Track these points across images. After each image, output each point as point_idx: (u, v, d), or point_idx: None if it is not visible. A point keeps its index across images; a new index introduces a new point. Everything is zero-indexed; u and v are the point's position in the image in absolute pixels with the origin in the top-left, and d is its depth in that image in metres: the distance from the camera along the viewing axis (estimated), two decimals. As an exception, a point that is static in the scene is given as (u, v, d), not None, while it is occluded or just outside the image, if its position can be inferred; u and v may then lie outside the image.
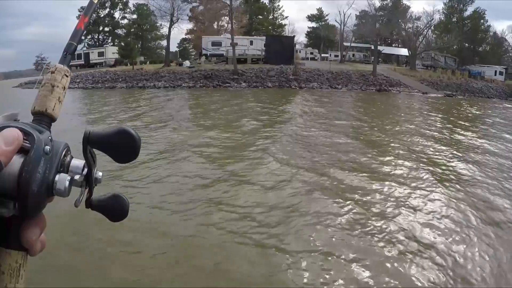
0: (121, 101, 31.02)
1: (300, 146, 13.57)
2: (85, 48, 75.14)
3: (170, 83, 43.73)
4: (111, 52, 65.50)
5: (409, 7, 70.59)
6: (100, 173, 0.72)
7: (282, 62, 47.34)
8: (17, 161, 0.59)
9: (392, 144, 14.51)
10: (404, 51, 69.56)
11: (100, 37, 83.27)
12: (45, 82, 0.75)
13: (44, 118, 0.71)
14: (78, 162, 0.69)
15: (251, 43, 53.45)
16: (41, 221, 0.64)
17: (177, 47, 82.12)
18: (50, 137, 0.66)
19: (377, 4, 66.79)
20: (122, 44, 58.09)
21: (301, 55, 62.28)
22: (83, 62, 63.73)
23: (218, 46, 53.65)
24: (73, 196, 0.68)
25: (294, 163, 10.93)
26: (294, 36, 60.52)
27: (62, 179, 0.64)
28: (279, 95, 34.53)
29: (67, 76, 0.77)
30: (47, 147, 0.63)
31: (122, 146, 0.69)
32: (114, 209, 0.73)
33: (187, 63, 52.32)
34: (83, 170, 0.69)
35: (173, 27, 57.56)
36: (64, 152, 0.67)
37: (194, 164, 11.03)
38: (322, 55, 71.77)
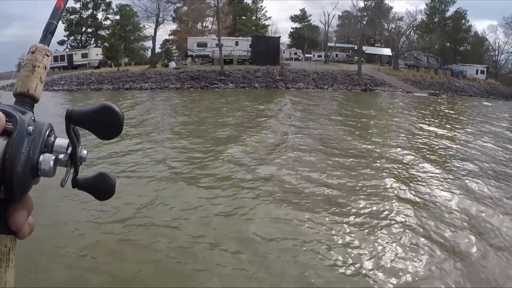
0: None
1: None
2: (68, 50, 74.43)
3: (157, 84, 43.56)
4: (95, 53, 64.95)
5: (391, 8, 71.78)
6: (85, 152, 0.71)
7: (267, 62, 47.63)
8: (0, 142, 0.58)
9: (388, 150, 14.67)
10: (387, 51, 70.37)
11: (83, 38, 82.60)
12: (25, 63, 0.73)
13: (26, 99, 0.69)
14: (62, 141, 0.68)
15: (237, 43, 53.41)
16: (28, 204, 0.63)
17: (159, 48, 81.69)
18: (32, 118, 0.64)
19: (361, 4, 67.73)
20: (107, 45, 57.57)
21: (285, 55, 62.53)
22: (66, 64, 63.17)
23: (204, 47, 53.43)
24: (59, 176, 0.67)
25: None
26: (279, 37, 60.86)
27: (47, 159, 0.63)
28: (267, 96, 34.55)
29: (47, 56, 0.75)
30: (30, 128, 0.61)
31: (106, 123, 0.68)
32: (100, 187, 0.72)
33: (173, 64, 52.12)
34: (67, 149, 0.68)
35: (158, 28, 57.44)
36: (47, 132, 0.66)
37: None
38: (306, 55, 72.21)
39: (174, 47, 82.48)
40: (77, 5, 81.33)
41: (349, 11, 70.08)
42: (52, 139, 0.67)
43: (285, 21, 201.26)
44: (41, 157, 0.63)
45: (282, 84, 43.23)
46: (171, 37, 76.74)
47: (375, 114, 24.17)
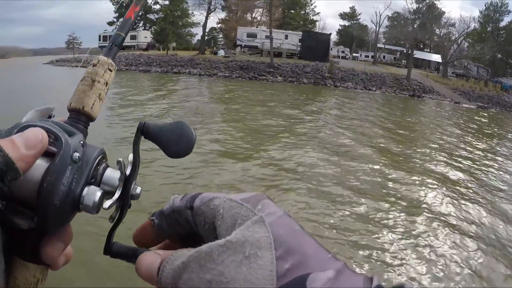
0: (171, 87, 31.09)
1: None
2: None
3: (206, 71, 43.80)
4: (144, 36, 65.95)
5: (444, 12, 69.89)
6: (139, 189, 0.61)
7: (316, 58, 47.09)
8: (39, 167, 0.51)
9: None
10: (436, 57, 68.64)
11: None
12: (85, 76, 0.66)
13: (80, 117, 0.62)
14: (113, 173, 0.59)
15: (286, 37, 53.16)
16: (66, 235, 0.56)
17: (206, 35, 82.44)
18: (82, 141, 0.57)
19: (414, 6, 66.23)
20: (157, 28, 58.31)
21: (332, 53, 61.92)
22: (115, 44, 64.23)
23: (253, 37, 53.61)
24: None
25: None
26: (330, 34, 60.16)
27: (91, 193, 0.55)
28: (316, 93, 34.37)
29: (110, 71, 0.67)
30: (76, 154, 0.54)
31: (177, 141, 0.61)
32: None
33: (221, 52, 52.46)
34: (119, 183, 0.58)
35: (209, 15, 57.81)
36: (97, 160, 0.58)
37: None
38: (353, 54, 71.35)
39: (221, 36, 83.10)
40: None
41: (400, 13, 68.79)
42: (102, 169, 0.59)
43: (332, 17, 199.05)
44: (85, 190, 0.55)
45: (330, 82, 42.75)
46: (219, 25, 77.22)
47: (434, 126, 23.44)
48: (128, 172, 0.60)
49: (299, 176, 9.36)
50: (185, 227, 0.51)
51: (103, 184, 0.58)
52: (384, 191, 9.01)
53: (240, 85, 34.25)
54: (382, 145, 14.40)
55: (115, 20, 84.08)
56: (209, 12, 57.22)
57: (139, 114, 16.64)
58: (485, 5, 77.55)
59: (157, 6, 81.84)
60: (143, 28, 77.98)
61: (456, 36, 63.83)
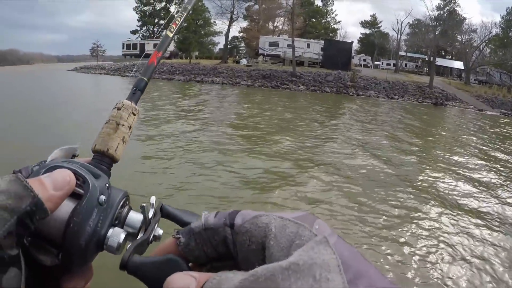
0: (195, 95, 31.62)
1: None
2: (140, 39, 77.39)
3: (229, 80, 44.46)
4: (167, 44, 67.04)
5: (465, 19, 69.29)
6: (161, 231, 0.62)
7: (338, 67, 47.29)
8: (66, 207, 0.54)
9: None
10: (458, 64, 68.06)
11: (155, 29, 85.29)
12: (109, 119, 0.70)
13: (104, 159, 0.66)
14: (136, 216, 0.62)
15: (308, 46, 53.44)
16: (87, 273, 0.58)
17: (228, 44, 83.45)
18: (107, 184, 0.60)
19: (435, 13, 65.91)
20: (180, 37, 59.30)
21: (354, 61, 61.97)
22: (138, 52, 65.74)
23: (275, 46, 54.09)
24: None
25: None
26: (352, 42, 60.19)
27: (116, 235, 0.57)
28: (339, 102, 34.50)
29: (134, 115, 0.73)
30: (102, 197, 0.56)
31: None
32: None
33: (244, 61, 53.06)
34: (141, 225, 0.61)
35: (232, 24, 58.58)
36: (121, 203, 0.61)
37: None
38: (375, 62, 71.22)
39: (243, 45, 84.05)
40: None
41: (420, 20, 68.43)
42: (126, 211, 0.62)
43: (353, 25, 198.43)
44: (110, 231, 0.57)
45: (353, 91, 42.85)
46: (240, 34, 78.09)
47: (465, 134, 23.39)
48: (150, 215, 0.62)
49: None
50: (219, 247, 0.49)
51: (126, 226, 0.60)
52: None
53: (269, 95, 34.72)
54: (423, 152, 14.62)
55: (138, 28, 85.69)
56: (231, 21, 58.04)
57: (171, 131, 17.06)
58: (506, 10, 76.47)
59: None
60: (166, 36, 79.49)
61: (478, 42, 63.23)
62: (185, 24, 69.13)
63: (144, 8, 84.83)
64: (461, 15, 68.85)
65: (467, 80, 58.89)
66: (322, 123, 20.30)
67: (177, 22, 0.91)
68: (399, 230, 7.43)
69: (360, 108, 29.80)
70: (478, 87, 56.11)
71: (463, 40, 64.29)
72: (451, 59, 75.75)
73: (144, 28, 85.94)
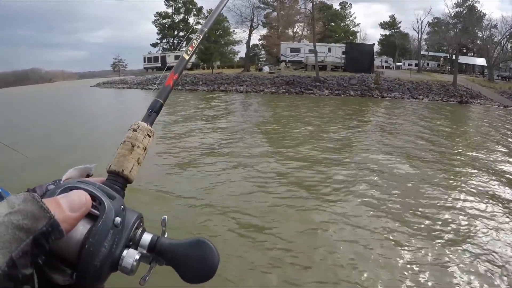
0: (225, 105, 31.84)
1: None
2: (160, 52, 78.35)
3: (253, 88, 44.65)
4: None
5: (484, 14, 68.29)
6: None
7: (361, 70, 47.23)
8: (81, 227, 0.54)
9: None
10: (480, 61, 67.07)
11: (175, 41, 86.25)
12: (125, 140, 0.71)
13: (119, 179, 0.66)
14: (150, 237, 0.63)
15: (330, 50, 53.57)
16: None
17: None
18: (122, 206, 0.60)
19: (454, 10, 65.17)
20: (202, 47, 59.94)
21: (376, 63, 61.61)
22: (159, 65, 66.48)
23: (297, 52, 54.29)
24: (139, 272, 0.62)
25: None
26: (373, 44, 59.79)
27: (130, 256, 0.58)
28: (366, 105, 34.33)
29: (149, 136, 0.73)
30: (118, 219, 0.57)
31: (197, 262, 0.61)
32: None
33: (266, 68, 53.30)
34: (155, 246, 0.62)
35: (252, 32, 58.99)
36: (136, 225, 0.61)
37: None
38: (396, 63, 70.72)
39: (263, 52, 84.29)
40: (170, 10, 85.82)
41: (439, 18, 67.76)
42: (140, 232, 0.62)
43: (371, 27, 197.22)
44: (125, 252, 0.58)
45: (377, 93, 42.55)
46: (260, 42, 78.48)
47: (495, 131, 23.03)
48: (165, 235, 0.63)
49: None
50: None
51: (140, 248, 0.61)
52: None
53: (294, 101, 34.65)
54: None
55: (158, 41, 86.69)
56: (251, 29, 58.40)
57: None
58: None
59: (199, 26, 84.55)
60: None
61: (499, 37, 62.30)
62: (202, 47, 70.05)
63: (163, 21, 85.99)
64: (481, 11, 67.83)
65: (490, 77, 58.10)
66: (356, 128, 20.28)
67: (193, 45, 0.99)
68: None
69: (387, 111, 29.62)
70: (502, 83, 55.21)
71: (484, 36, 63.38)
72: (473, 56, 74.64)
73: (164, 40, 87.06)
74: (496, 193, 9.99)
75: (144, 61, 73.14)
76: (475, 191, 10.00)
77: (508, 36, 62.42)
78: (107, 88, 60.93)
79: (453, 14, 64.90)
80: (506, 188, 10.50)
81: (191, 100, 34.69)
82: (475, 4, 66.05)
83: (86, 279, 0.54)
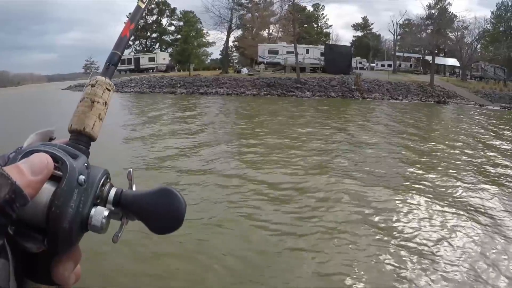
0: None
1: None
2: (133, 53, 77.03)
3: (233, 90, 44.42)
4: (162, 57, 67.04)
5: (455, 16, 69.78)
6: None
7: (340, 71, 47.54)
8: (46, 191, 0.53)
9: None
10: (451, 61, 68.62)
11: (148, 43, 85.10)
12: (84, 97, 0.68)
13: (81, 138, 0.64)
14: (115, 191, 0.62)
15: (307, 51, 53.63)
16: (75, 255, 0.58)
17: (219, 54, 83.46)
18: (86, 164, 0.59)
19: (426, 12, 66.39)
20: (178, 49, 59.28)
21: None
22: (133, 67, 65.13)
23: (275, 54, 54.12)
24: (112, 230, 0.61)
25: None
26: (352, 46, 60.53)
27: (99, 214, 0.57)
28: (351, 105, 34.52)
29: (109, 90, 0.70)
30: (82, 177, 0.56)
31: (162, 212, 0.60)
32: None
33: (245, 70, 52.85)
34: (119, 199, 0.61)
35: (231, 34, 58.73)
36: (102, 181, 0.60)
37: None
38: (370, 64, 71.58)
39: (235, 54, 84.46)
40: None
41: (411, 20, 69.02)
42: (107, 189, 0.61)
43: (342, 28, 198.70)
44: (93, 211, 0.57)
45: (358, 94, 42.95)
46: (234, 43, 78.04)
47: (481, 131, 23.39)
48: (133, 188, 0.62)
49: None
50: None
51: (108, 204, 0.60)
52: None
53: (278, 102, 34.51)
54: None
55: (131, 43, 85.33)
56: (230, 30, 58.04)
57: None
58: (496, 6, 77.34)
59: (172, 28, 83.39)
60: (159, 50, 79.16)
61: (470, 38, 63.83)
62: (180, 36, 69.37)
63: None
64: (452, 12, 69.34)
65: (464, 77, 59.52)
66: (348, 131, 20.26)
67: None
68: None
69: (379, 113, 29.84)
70: (475, 83, 56.60)
71: (457, 37, 64.81)
72: (444, 56, 76.29)
73: (137, 42, 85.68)
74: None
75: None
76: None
77: (478, 37, 64.15)
78: (80, 91, 59.16)
79: (425, 16, 66.07)
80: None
81: (172, 106, 34.08)
82: (446, 6, 67.42)
83: (57, 242, 0.53)
